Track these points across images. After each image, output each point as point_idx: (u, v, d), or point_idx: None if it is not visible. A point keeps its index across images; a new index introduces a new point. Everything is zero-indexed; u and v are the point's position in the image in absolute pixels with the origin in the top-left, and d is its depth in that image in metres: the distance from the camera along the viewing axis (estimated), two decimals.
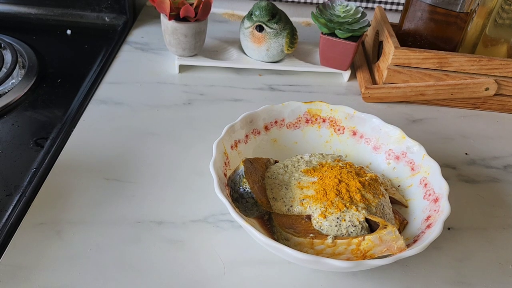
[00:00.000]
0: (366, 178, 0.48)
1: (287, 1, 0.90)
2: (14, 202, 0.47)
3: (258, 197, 0.45)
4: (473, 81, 0.67)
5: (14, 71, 0.65)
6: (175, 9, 0.66)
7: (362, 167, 0.51)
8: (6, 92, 0.62)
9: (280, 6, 0.89)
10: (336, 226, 0.43)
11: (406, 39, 0.71)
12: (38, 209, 0.47)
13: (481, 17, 0.71)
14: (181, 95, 0.67)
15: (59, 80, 0.67)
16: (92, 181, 0.51)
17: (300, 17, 0.90)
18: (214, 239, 0.46)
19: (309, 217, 0.45)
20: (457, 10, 0.66)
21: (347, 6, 0.69)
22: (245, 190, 0.45)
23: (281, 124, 0.55)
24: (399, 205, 0.50)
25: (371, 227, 0.44)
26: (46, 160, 0.53)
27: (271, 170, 0.50)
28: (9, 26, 0.78)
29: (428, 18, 0.68)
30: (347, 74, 0.73)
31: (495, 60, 0.66)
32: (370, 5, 0.88)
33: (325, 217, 0.44)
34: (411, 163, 0.51)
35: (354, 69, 0.75)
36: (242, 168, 0.46)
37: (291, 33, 0.70)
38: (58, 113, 0.60)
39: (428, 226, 0.44)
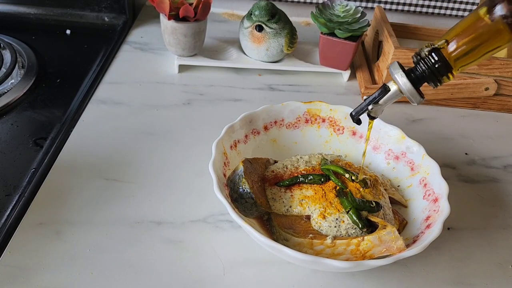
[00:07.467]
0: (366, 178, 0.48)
1: (286, 1, 0.90)
2: (13, 202, 0.47)
3: (257, 197, 0.45)
4: (473, 81, 0.67)
5: (14, 71, 0.65)
6: (174, 9, 0.65)
7: (362, 167, 0.51)
8: (6, 92, 0.62)
9: (280, 6, 0.88)
10: (335, 227, 0.43)
11: None
12: (37, 209, 0.47)
13: None
14: (180, 95, 0.66)
15: (58, 80, 0.67)
16: (91, 181, 0.51)
17: (300, 17, 0.90)
18: (214, 239, 0.46)
19: (308, 217, 0.45)
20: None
21: (346, 6, 0.68)
22: (244, 190, 0.45)
23: (281, 124, 0.55)
24: (398, 205, 0.50)
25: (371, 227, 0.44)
26: (45, 160, 0.53)
27: (270, 170, 0.50)
28: (9, 26, 0.77)
29: None
30: (346, 74, 0.73)
31: (495, 60, 0.65)
32: (370, 4, 0.88)
33: (324, 217, 0.44)
34: (410, 163, 0.51)
35: (353, 69, 0.75)
36: (241, 168, 0.46)
37: (291, 33, 0.70)
38: (57, 113, 0.60)
39: (428, 226, 0.44)
